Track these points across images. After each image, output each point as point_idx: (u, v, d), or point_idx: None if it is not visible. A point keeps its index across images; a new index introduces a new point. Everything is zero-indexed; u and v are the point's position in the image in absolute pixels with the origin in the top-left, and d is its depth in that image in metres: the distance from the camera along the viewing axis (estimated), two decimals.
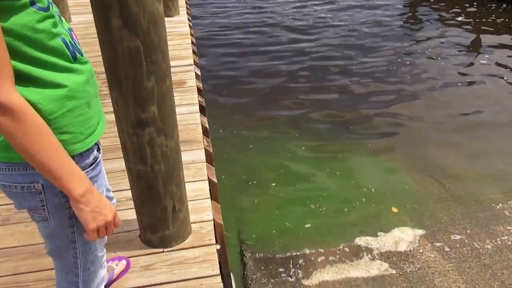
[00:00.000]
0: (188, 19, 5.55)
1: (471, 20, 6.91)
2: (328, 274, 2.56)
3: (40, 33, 0.96)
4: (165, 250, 1.98)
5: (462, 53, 5.73)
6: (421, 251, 2.70)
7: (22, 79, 0.94)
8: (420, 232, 2.86)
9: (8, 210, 2.24)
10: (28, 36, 0.93)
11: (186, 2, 6.24)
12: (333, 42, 6.11)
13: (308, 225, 2.93)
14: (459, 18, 6.97)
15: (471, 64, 5.45)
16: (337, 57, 5.63)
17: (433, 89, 4.80)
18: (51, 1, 1.02)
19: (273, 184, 3.34)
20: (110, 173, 2.49)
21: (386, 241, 2.78)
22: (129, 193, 1.99)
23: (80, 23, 5.13)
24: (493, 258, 2.64)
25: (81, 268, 1.28)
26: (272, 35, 6.49)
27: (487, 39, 6.17)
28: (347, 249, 2.73)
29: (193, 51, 4.44)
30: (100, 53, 1.51)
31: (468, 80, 5.01)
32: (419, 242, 2.77)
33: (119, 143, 1.75)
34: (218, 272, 1.88)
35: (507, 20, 6.88)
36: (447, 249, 2.71)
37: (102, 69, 1.57)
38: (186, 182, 2.00)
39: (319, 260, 2.66)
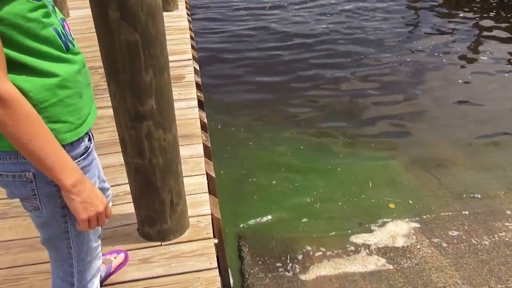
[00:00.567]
0: (187, 13, 5.53)
1: (472, 16, 6.89)
2: (325, 268, 2.56)
3: (32, 22, 0.96)
4: (163, 243, 1.98)
5: (463, 49, 5.72)
6: (419, 247, 2.71)
7: (15, 67, 0.94)
8: (418, 227, 2.87)
9: (6, 204, 2.25)
10: (21, 25, 0.94)
11: None
12: (335, 40, 6.09)
13: (305, 220, 2.93)
14: (461, 15, 6.96)
15: (472, 60, 5.44)
16: (337, 55, 5.62)
17: (432, 85, 4.79)
18: None
19: (272, 180, 3.34)
20: (109, 167, 2.49)
21: (383, 236, 2.79)
22: (127, 187, 1.99)
23: (79, 17, 5.11)
24: (490, 254, 2.65)
25: (75, 258, 1.28)
26: (273, 30, 6.47)
27: (488, 35, 6.17)
28: (344, 244, 2.74)
29: (192, 46, 4.43)
30: (98, 48, 1.51)
31: (469, 76, 5.01)
32: (416, 238, 2.78)
33: (117, 137, 1.75)
34: (216, 265, 1.89)
35: (508, 15, 6.87)
36: (445, 245, 2.72)
37: (101, 63, 1.57)
38: (184, 176, 2.00)
39: (316, 255, 2.66)
